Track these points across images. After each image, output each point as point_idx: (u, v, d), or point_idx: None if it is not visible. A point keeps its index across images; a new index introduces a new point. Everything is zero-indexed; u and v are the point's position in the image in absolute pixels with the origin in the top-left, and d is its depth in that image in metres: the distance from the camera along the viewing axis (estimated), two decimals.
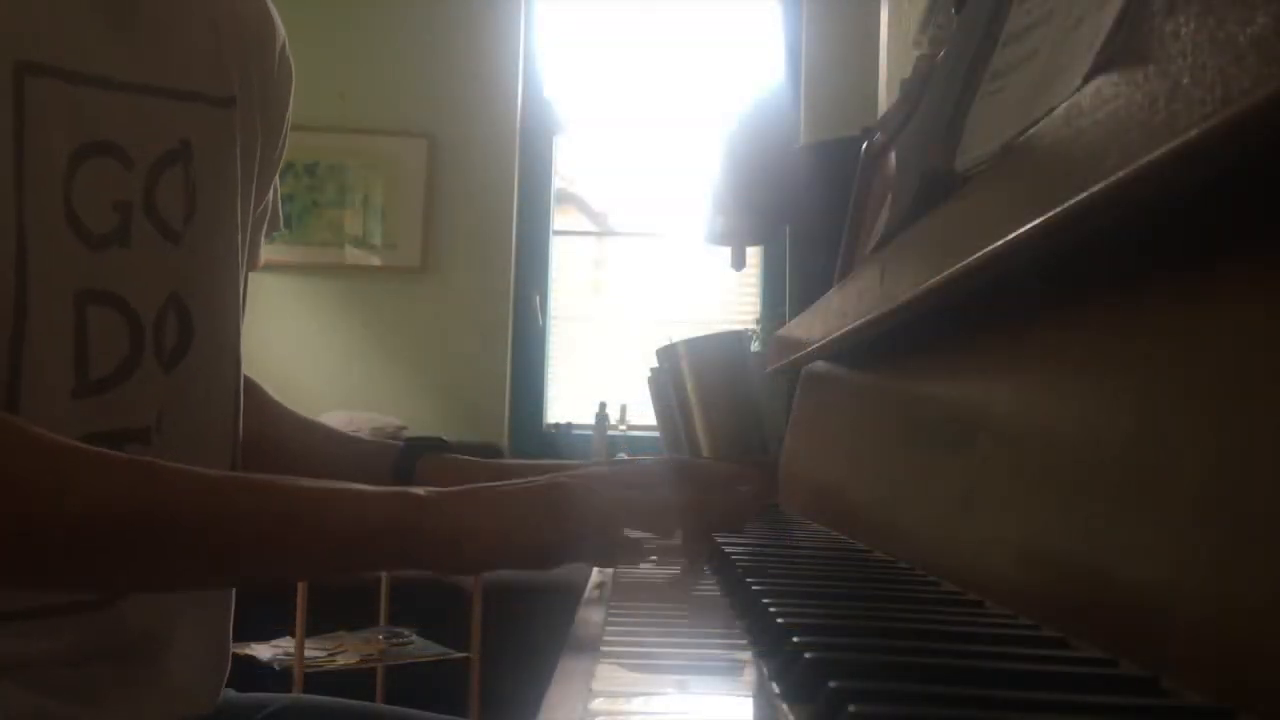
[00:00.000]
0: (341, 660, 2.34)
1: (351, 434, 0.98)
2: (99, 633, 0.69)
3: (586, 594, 0.70)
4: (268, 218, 0.89)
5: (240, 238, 0.80)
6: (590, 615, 0.59)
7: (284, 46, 0.85)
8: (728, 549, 0.72)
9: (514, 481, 0.67)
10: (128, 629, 0.71)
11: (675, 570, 0.76)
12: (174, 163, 0.73)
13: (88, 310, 0.68)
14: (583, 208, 3.93)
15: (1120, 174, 0.38)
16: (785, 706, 0.36)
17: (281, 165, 0.88)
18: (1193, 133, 0.33)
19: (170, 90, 0.73)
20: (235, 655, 0.81)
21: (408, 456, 0.87)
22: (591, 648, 0.48)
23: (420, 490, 0.63)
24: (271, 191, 0.88)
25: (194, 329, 0.75)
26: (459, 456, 0.88)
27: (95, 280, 0.68)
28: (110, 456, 0.60)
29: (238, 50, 0.79)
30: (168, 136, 0.73)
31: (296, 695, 1.00)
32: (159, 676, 0.73)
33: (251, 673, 2.18)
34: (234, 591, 0.81)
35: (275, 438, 0.83)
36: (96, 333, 0.68)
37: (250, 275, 0.85)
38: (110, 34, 0.69)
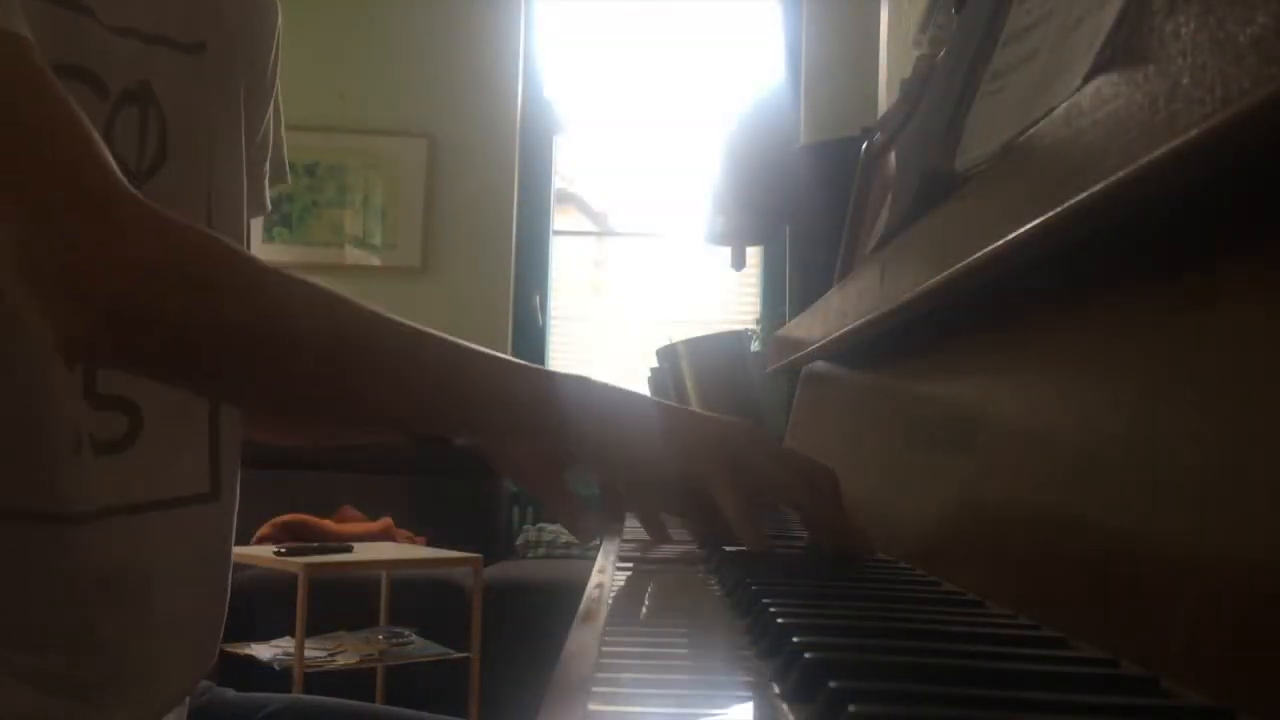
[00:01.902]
0: (341, 660, 2.34)
1: None
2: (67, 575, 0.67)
3: (587, 592, 0.70)
4: (268, 164, 0.89)
5: (237, 185, 0.80)
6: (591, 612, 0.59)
7: None
8: (728, 549, 0.72)
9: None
10: (99, 563, 0.69)
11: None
12: (130, 103, 0.73)
13: None
14: (583, 208, 3.93)
15: (1120, 174, 0.38)
16: (785, 706, 0.36)
17: (280, 116, 0.88)
18: (1193, 133, 0.33)
19: (137, 32, 0.73)
20: (235, 655, 0.81)
21: None
22: (591, 646, 0.48)
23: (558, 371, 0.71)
24: (271, 143, 0.88)
25: None
26: None
27: None
28: (299, 279, 0.68)
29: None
30: (127, 76, 0.73)
31: (296, 696, 0.99)
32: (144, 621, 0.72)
33: (251, 673, 2.18)
34: (230, 550, 0.80)
35: None
36: None
37: None
38: None
